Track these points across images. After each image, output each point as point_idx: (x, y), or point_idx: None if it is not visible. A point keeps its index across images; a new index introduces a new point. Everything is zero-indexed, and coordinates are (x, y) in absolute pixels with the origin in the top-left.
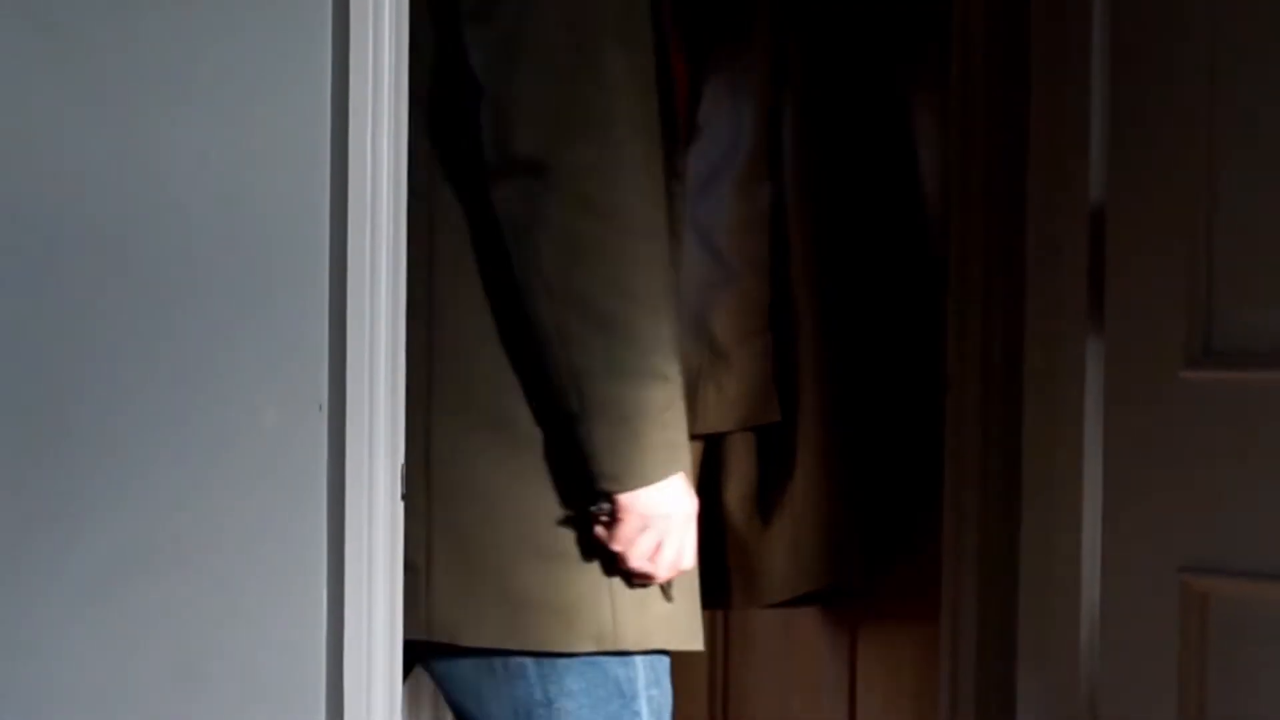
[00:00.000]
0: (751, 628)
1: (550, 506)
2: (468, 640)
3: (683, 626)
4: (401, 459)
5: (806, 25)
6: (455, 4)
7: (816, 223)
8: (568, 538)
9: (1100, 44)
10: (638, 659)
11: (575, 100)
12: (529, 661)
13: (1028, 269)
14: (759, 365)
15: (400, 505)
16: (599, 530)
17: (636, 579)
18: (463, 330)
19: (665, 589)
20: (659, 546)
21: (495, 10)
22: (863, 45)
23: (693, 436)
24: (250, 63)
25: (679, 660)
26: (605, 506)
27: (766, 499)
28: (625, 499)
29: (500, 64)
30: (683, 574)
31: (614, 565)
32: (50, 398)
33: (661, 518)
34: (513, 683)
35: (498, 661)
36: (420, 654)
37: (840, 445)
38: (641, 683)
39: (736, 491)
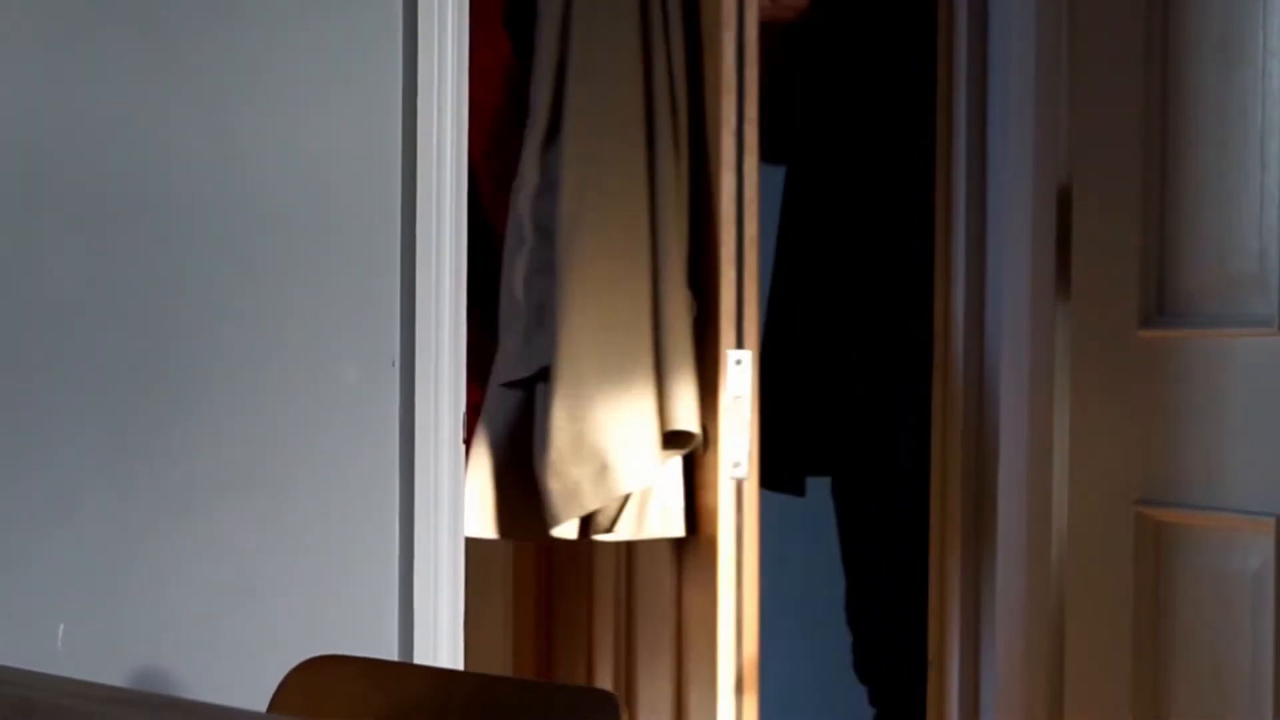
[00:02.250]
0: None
1: None
2: None
3: None
4: (463, 408)
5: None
6: None
7: (585, 189)
8: None
9: (1066, 47)
10: None
11: None
12: None
13: (1005, 243)
14: (541, 317)
15: (461, 447)
16: None
17: None
18: None
19: None
20: None
21: None
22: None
23: (511, 382)
24: (331, 58)
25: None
26: None
27: (540, 436)
28: None
29: None
30: None
31: None
32: (165, 352)
33: None
34: None
35: None
36: None
37: (593, 389)
38: None
39: (537, 430)
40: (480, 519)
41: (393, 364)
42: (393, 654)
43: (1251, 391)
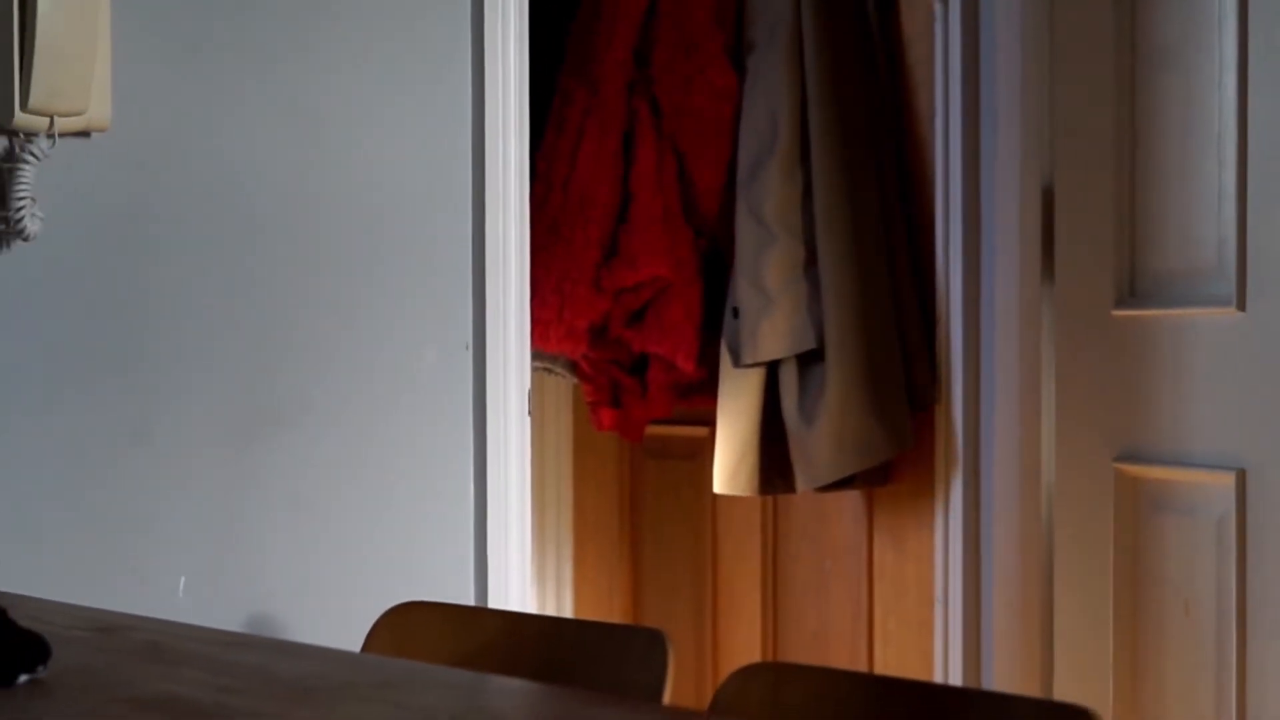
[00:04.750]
0: (793, 504)
1: None
2: None
3: None
4: (528, 385)
5: (820, 41)
6: None
7: (837, 196)
8: None
9: (1048, 62)
10: None
11: None
12: None
13: (996, 235)
14: (798, 306)
15: (528, 420)
16: None
17: None
18: None
19: None
20: None
21: None
22: (862, 60)
23: (757, 362)
24: (409, 81)
25: (737, 529)
26: None
27: (809, 407)
28: None
29: None
30: None
31: None
32: (267, 344)
33: None
34: None
35: None
36: None
37: (859, 364)
38: None
39: (790, 402)
40: (739, 479)
41: (466, 347)
42: (469, 599)
43: (1213, 361)
